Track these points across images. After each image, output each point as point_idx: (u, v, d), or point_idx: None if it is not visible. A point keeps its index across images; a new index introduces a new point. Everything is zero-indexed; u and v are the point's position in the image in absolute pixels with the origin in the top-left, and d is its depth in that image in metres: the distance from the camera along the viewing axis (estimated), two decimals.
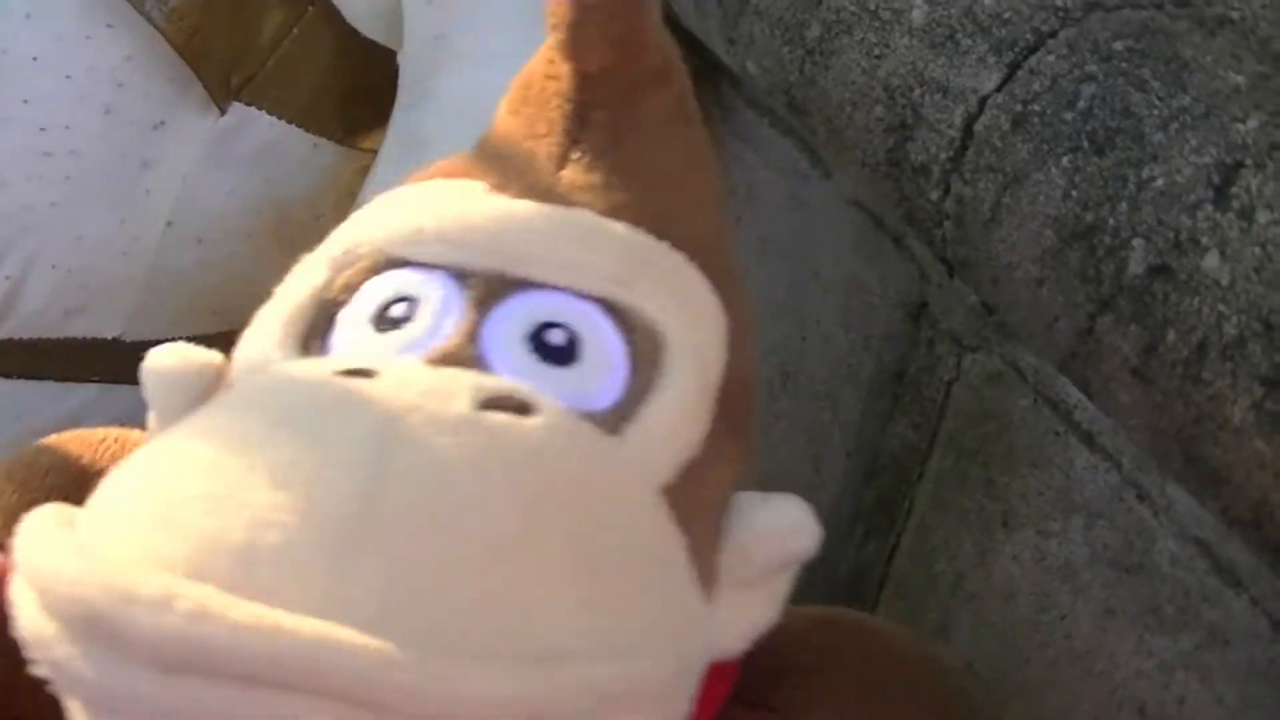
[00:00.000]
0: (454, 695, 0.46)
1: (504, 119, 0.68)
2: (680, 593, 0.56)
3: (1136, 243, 0.70)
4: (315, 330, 0.61)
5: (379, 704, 0.45)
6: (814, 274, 1.07)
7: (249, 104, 1.09)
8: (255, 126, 1.10)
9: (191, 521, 0.48)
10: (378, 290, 0.61)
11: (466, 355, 0.58)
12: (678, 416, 0.58)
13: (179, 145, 1.08)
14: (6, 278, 1.09)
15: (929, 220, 0.84)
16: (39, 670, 0.48)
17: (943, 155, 0.81)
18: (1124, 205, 0.71)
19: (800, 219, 1.08)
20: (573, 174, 0.64)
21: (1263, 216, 0.66)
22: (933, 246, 0.86)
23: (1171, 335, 0.68)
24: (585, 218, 0.62)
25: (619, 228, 0.62)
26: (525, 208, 0.62)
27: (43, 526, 0.50)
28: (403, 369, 0.56)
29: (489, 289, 0.59)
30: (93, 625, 0.46)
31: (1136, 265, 0.70)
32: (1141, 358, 0.70)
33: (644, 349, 0.59)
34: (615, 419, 0.57)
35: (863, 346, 1.03)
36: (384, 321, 0.60)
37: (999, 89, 0.78)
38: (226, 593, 0.46)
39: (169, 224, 1.11)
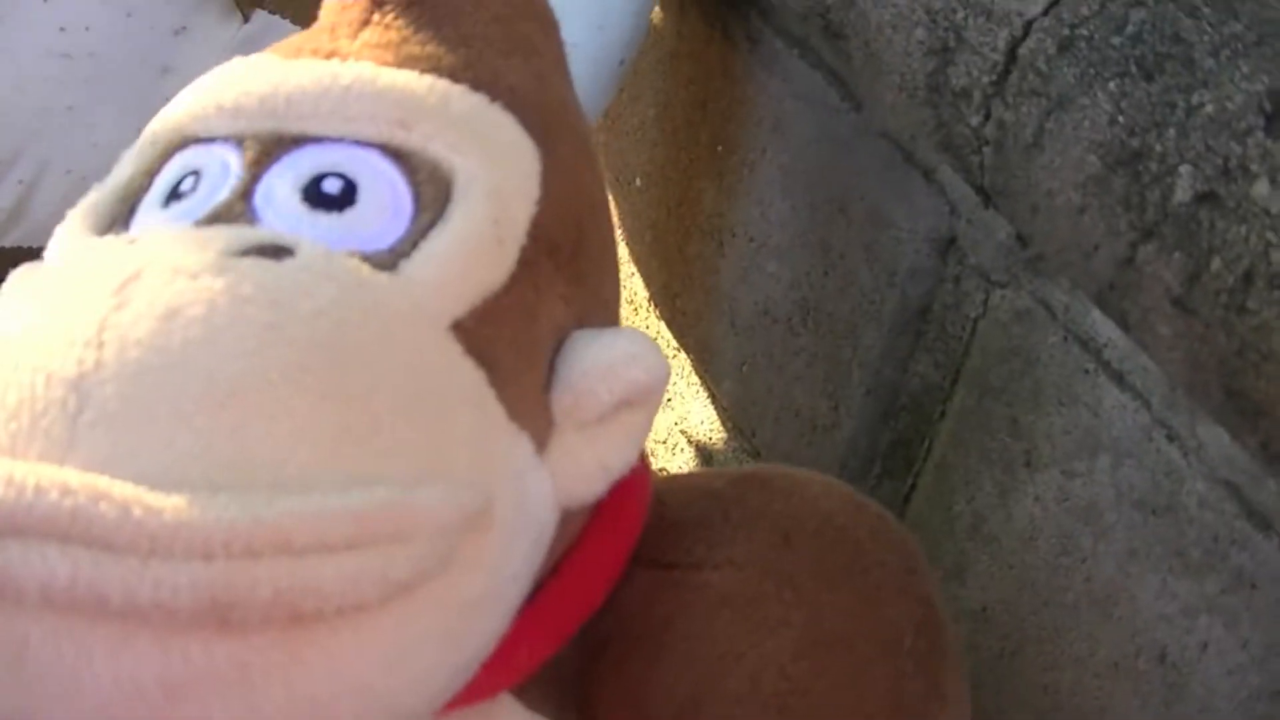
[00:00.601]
0: (169, 524, 0.45)
1: (325, 2, 0.68)
2: (476, 427, 0.55)
3: (1184, 169, 0.68)
4: (116, 219, 0.61)
5: (95, 539, 0.45)
6: (839, 208, 1.05)
7: (272, 11, 1.08)
8: (278, 34, 1.07)
9: None
10: (169, 171, 0.61)
11: (235, 213, 0.57)
12: (462, 250, 0.57)
13: (200, 51, 1.07)
14: (20, 182, 1.07)
15: (967, 147, 0.82)
16: None
17: (985, 79, 0.79)
18: (1172, 131, 0.69)
19: (827, 152, 1.06)
20: (369, 35, 0.63)
21: None
22: (969, 174, 0.85)
23: (1217, 264, 0.67)
24: (363, 68, 0.61)
25: (401, 74, 0.61)
26: (300, 67, 0.62)
27: None
28: (163, 231, 0.56)
29: (264, 149, 0.59)
30: None
31: (1183, 192, 0.68)
32: (1184, 287, 0.68)
33: (429, 188, 0.58)
34: (392, 257, 0.56)
35: (887, 282, 1.02)
36: (172, 198, 0.60)
37: (1045, 12, 0.77)
38: None
39: None
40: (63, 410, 0.47)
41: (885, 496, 1.06)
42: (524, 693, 0.65)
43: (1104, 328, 0.82)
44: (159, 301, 0.49)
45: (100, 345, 0.48)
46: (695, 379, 1.36)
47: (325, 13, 0.67)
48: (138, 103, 1.08)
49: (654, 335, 1.43)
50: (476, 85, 0.62)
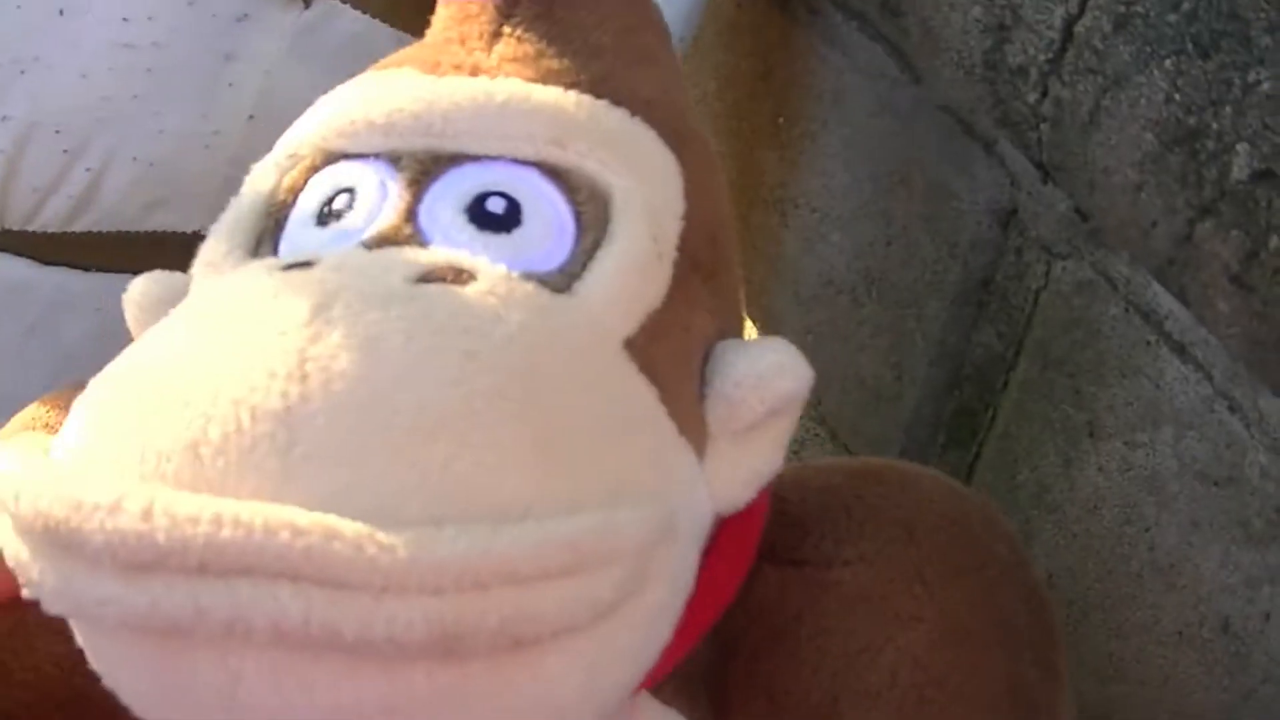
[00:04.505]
0: (404, 560, 0.45)
1: (440, 8, 0.68)
2: (656, 444, 0.56)
3: (1241, 147, 0.68)
4: (264, 236, 0.61)
5: (328, 578, 0.45)
6: (901, 180, 1.06)
7: None
8: (339, 20, 1.08)
9: (141, 429, 0.49)
10: (318, 187, 0.61)
11: (404, 234, 0.57)
12: (630, 269, 0.57)
13: (262, 38, 1.07)
14: (87, 169, 1.09)
15: (1025, 124, 0.83)
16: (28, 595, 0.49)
17: (1041, 57, 0.79)
18: (1228, 109, 0.69)
19: (888, 124, 1.07)
20: (504, 48, 0.64)
21: None
22: (1027, 151, 0.85)
23: (1275, 241, 0.67)
24: (514, 85, 0.62)
25: (551, 91, 0.62)
26: (452, 84, 0.62)
27: (13, 453, 0.50)
28: (338, 255, 0.56)
29: (423, 168, 0.59)
30: (53, 537, 0.46)
31: (1240, 170, 0.68)
32: (1242, 264, 0.69)
33: (589, 207, 0.59)
34: (565, 279, 0.56)
35: (949, 254, 1.02)
36: (326, 216, 0.60)
37: None
38: (176, 489, 0.46)
39: (251, 117, 1.10)
40: (273, 445, 0.47)
41: (950, 465, 1.07)
42: (658, 690, 0.66)
43: (1165, 300, 0.82)
44: (355, 333, 0.49)
45: (304, 378, 0.48)
46: None
47: (445, 22, 0.67)
48: (203, 90, 1.09)
49: None
50: (617, 100, 0.63)
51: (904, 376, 1.10)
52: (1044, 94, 0.80)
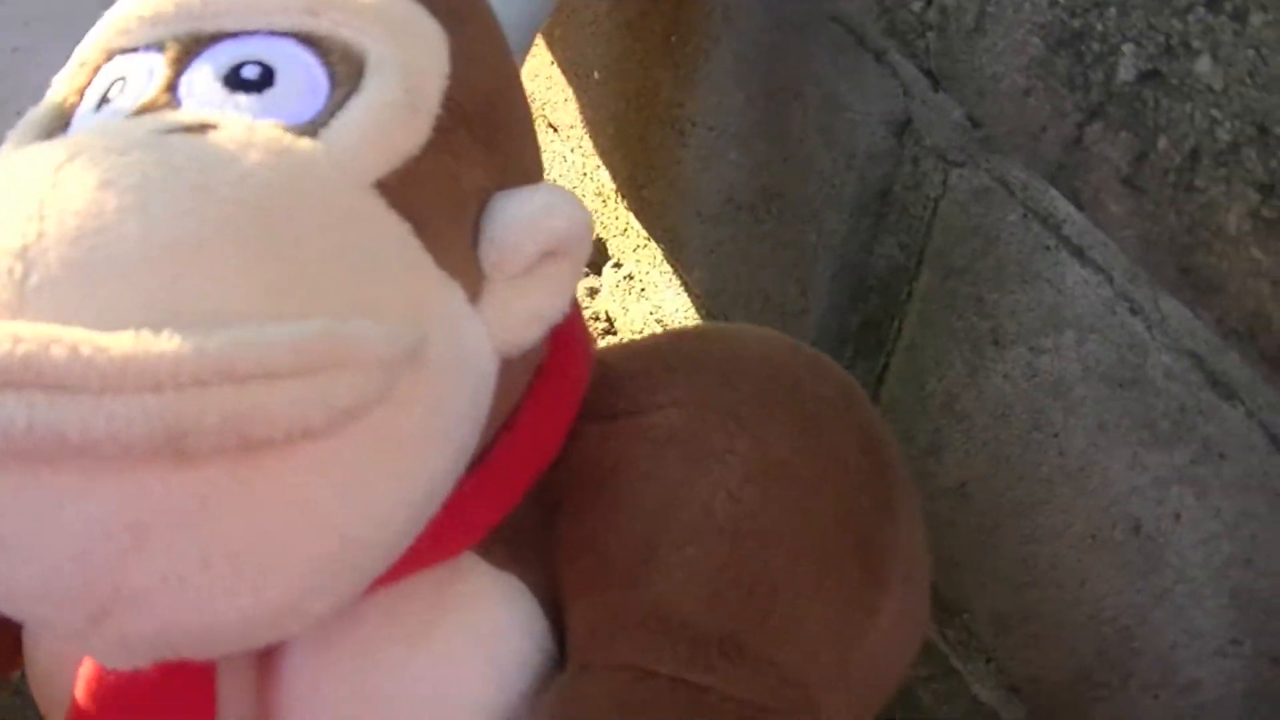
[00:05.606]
0: (118, 359, 0.47)
1: None
2: (404, 271, 0.58)
3: (1126, 48, 0.68)
4: (53, 133, 0.63)
5: (49, 382, 0.46)
6: (794, 93, 1.05)
7: None
8: None
9: None
10: (99, 82, 0.63)
11: (161, 104, 0.60)
12: (378, 116, 0.59)
13: None
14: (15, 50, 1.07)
15: (911, 32, 0.81)
16: None
17: None
18: (1113, 10, 0.68)
19: (779, 37, 1.05)
20: None
21: (1256, 19, 0.64)
22: (916, 59, 0.84)
23: (1163, 142, 0.66)
24: None
25: None
26: None
27: None
28: (95, 123, 0.60)
29: (184, 48, 0.61)
30: None
31: (1126, 71, 0.68)
32: (1132, 166, 0.68)
33: (342, 67, 0.61)
34: (313, 127, 0.58)
35: (845, 166, 1.01)
36: (101, 104, 0.62)
37: None
38: None
39: None
40: (10, 278, 0.49)
41: (859, 377, 1.05)
42: (489, 552, 0.68)
43: (1062, 204, 0.82)
44: (92, 176, 0.51)
45: (41, 219, 0.50)
46: (667, 268, 1.36)
47: None
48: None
49: (624, 226, 1.42)
50: None
51: (808, 291, 1.09)
52: (929, 2, 0.79)
